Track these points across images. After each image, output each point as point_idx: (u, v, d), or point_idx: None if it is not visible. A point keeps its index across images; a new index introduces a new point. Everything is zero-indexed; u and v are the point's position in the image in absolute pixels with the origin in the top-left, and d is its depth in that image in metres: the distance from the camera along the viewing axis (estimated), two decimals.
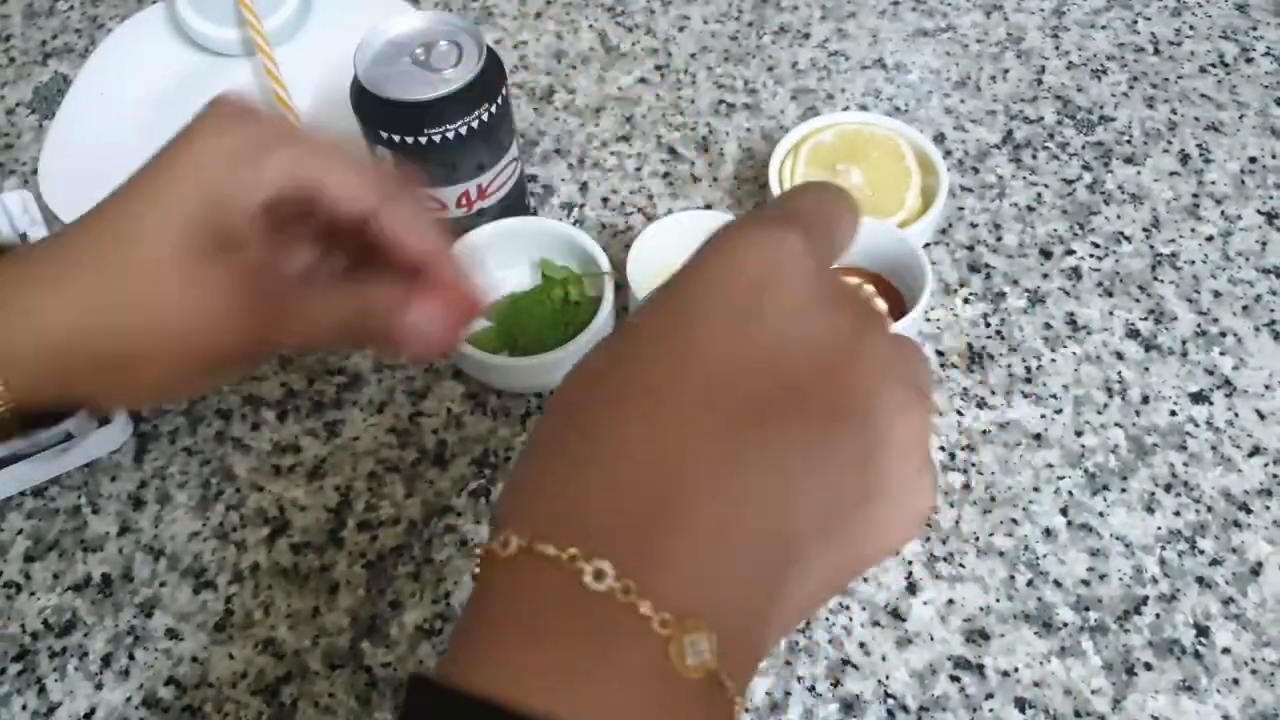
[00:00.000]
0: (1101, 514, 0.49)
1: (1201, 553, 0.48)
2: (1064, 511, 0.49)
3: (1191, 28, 0.70)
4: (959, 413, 0.52)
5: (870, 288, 0.53)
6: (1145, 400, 0.53)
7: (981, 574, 0.47)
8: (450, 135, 0.50)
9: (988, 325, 0.56)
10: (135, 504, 0.51)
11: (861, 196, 0.56)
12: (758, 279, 0.24)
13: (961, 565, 0.48)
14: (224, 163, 0.33)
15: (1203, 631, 0.45)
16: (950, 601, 0.47)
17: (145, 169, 0.34)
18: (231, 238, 0.33)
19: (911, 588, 0.47)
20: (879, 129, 0.59)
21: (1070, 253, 0.59)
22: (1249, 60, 0.68)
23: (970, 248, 0.59)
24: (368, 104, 0.50)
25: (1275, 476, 0.50)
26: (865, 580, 0.47)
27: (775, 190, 0.57)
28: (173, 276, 0.32)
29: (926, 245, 0.58)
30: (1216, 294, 0.56)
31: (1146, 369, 0.54)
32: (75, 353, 0.32)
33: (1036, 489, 0.50)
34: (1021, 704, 0.44)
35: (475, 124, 0.50)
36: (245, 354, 0.35)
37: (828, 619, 0.46)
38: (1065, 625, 0.46)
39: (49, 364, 0.32)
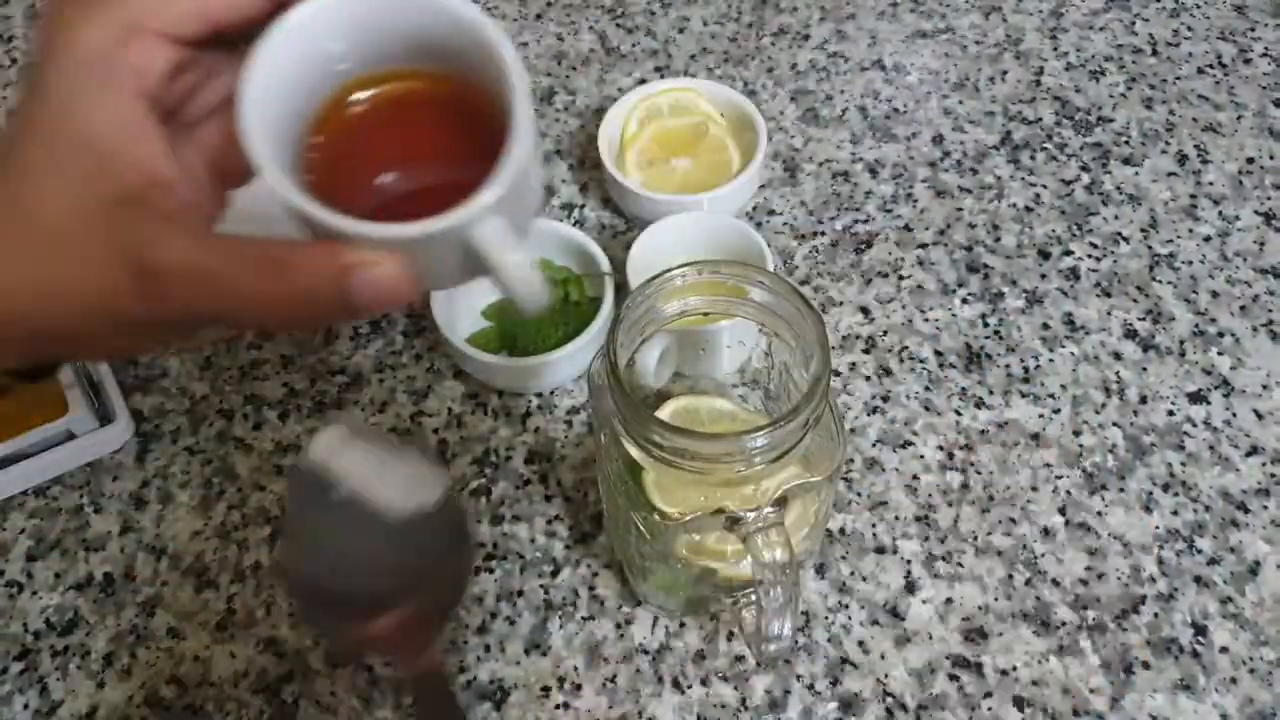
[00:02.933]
0: (1099, 513, 0.49)
1: (1199, 552, 0.48)
2: (1062, 511, 0.49)
3: (1189, 29, 0.70)
4: (957, 413, 0.53)
5: None
6: (1143, 400, 0.53)
7: (980, 573, 0.48)
8: None
9: (986, 325, 0.56)
10: (137, 503, 0.52)
11: (692, 180, 0.59)
12: None
13: (960, 564, 0.48)
14: (92, 84, 0.29)
15: (1201, 630, 0.46)
16: (949, 600, 0.47)
17: (19, 111, 0.30)
18: (137, 180, 0.29)
19: (910, 587, 0.47)
20: (692, 100, 0.62)
21: (1068, 253, 0.59)
22: (1247, 61, 0.68)
23: (968, 248, 0.59)
24: None
25: (1273, 476, 0.50)
26: (864, 579, 0.47)
27: (606, 161, 0.59)
28: (82, 244, 0.29)
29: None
30: (1214, 294, 0.57)
31: (1144, 369, 0.54)
32: (12, 326, 0.30)
33: (1035, 488, 0.50)
34: (1020, 703, 0.44)
35: None
36: (202, 327, 0.32)
37: (827, 618, 0.46)
38: (1063, 624, 0.46)
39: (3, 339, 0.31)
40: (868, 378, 0.54)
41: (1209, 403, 0.53)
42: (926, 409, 0.53)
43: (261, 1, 0.29)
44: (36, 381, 0.33)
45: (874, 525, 0.49)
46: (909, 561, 0.48)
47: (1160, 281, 0.57)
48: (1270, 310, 0.56)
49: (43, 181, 0.29)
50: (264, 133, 0.27)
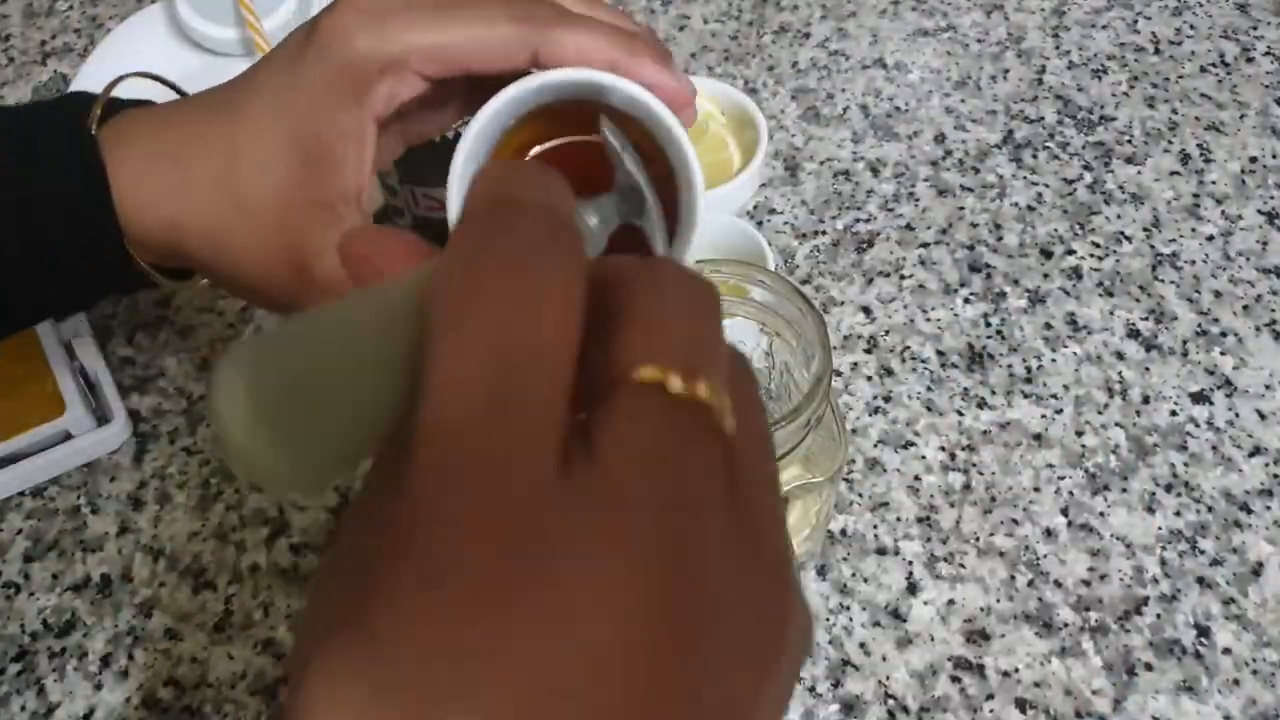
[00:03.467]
0: (1102, 514, 0.49)
1: (1202, 553, 0.48)
2: (1064, 512, 0.49)
3: (1192, 27, 0.70)
4: (959, 413, 0.52)
5: None
6: (1146, 400, 0.53)
7: (982, 574, 0.47)
8: (450, 134, 0.50)
9: (988, 325, 0.56)
10: (134, 504, 0.51)
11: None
12: None
13: (962, 565, 0.48)
14: (342, 99, 0.31)
15: (1203, 632, 0.45)
16: (951, 602, 0.47)
17: (265, 79, 0.33)
18: (340, 190, 0.32)
19: (912, 588, 0.47)
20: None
21: (1071, 252, 0.58)
22: (1250, 60, 0.68)
23: (970, 247, 0.59)
24: None
25: (1276, 477, 0.50)
26: (866, 581, 0.47)
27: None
28: (265, 226, 0.32)
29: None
30: (1217, 294, 0.56)
31: (1147, 369, 0.54)
32: (180, 250, 0.34)
33: (1037, 489, 0.50)
34: (1022, 704, 0.44)
35: None
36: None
37: (828, 619, 0.46)
38: (1066, 625, 0.46)
39: (162, 237, 0.34)
40: (869, 378, 0.54)
41: (1212, 403, 0.52)
42: (928, 409, 0.53)
43: (520, 66, 0.31)
44: (183, 280, 0.38)
45: (875, 526, 0.49)
46: (910, 563, 0.48)
47: (1163, 281, 0.57)
48: (1273, 310, 0.56)
49: (261, 152, 0.32)
50: (460, 184, 0.29)
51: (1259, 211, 0.60)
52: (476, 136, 0.30)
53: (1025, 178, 0.62)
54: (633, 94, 0.30)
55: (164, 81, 0.38)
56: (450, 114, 0.36)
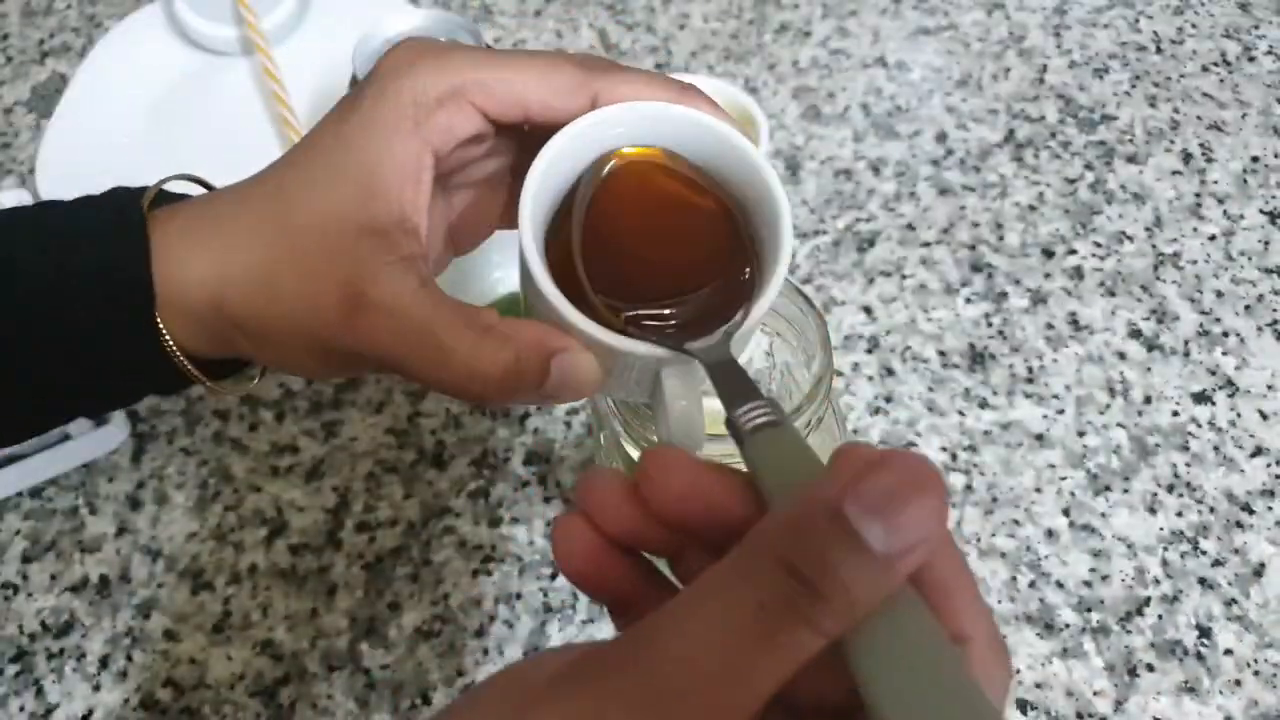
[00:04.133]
0: (1104, 515, 0.49)
1: (1204, 554, 0.47)
2: (1066, 512, 0.49)
3: (1194, 26, 0.69)
4: (961, 413, 0.52)
5: None
6: (1147, 400, 0.52)
7: (983, 575, 0.47)
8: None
9: (989, 325, 0.55)
10: (133, 505, 0.51)
11: None
12: None
13: None
14: (398, 127, 0.31)
15: (1205, 633, 0.45)
16: None
17: (319, 128, 0.32)
18: (392, 218, 0.31)
19: None
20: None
21: (1072, 252, 0.58)
22: (1251, 59, 0.67)
23: (972, 247, 0.59)
24: None
25: (1278, 477, 0.50)
26: None
27: None
28: (314, 257, 0.31)
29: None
30: (1219, 294, 0.56)
31: (1149, 369, 0.53)
32: (219, 312, 0.32)
33: (1038, 489, 0.50)
34: (1023, 705, 0.44)
35: None
36: (386, 370, 0.33)
37: None
38: (1067, 626, 0.46)
39: (199, 320, 0.33)
40: (870, 378, 0.54)
41: (1214, 403, 0.52)
42: (930, 409, 0.52)
43: (578, 111, 0.30)
44: (222, 378, 0.36)
45: None
46: None
47: (1165, 281, 0.57)
48: (1275, 310, 0.55)
49: (309, 186, 0.31)
50: (532, 218, 0.29)
51: (1261, 211, 0.60)
52: (548, 165, 0.29)
53: (1027, 177, 0.62)
54: (705, 120, 0.30)
55: (204, 184, 0.37)
56: (502, 167, 0.35)
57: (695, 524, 0.23)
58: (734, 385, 0.25)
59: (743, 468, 0.24)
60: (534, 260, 0.29)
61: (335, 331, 0.30)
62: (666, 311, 0.29)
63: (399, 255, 0.30)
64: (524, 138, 0.33)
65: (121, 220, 0.33)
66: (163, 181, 0.35)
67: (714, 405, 0.46)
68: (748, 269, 0.30)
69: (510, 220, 0.34)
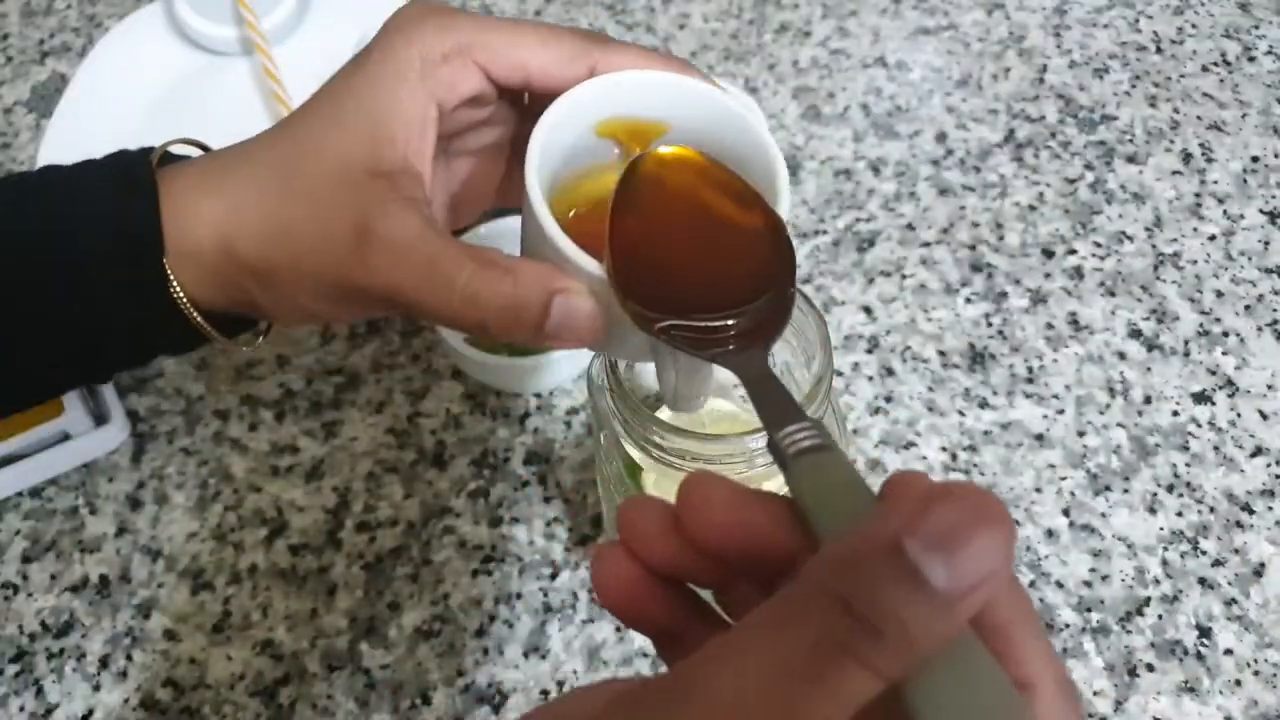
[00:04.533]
0: (1103, 514, 0.49)
1: (1204, 553, 0.47)
2: (1066, 512, 0.49)
3: (1194, 26, 0.69)
4: (961, 413, 0.52)
5: None
6: (1147, 400, 0.52)
7: None
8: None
9: (989, 325, 0.55)
10: (133, 505, 0.51)
11: None
12: None
13: None
14: (404, 80, 0.32)
15: (1205, 633, 0.45)
16: None
17: (328, 85, 0.34)
18: (397, 164, 0.32)
19: None
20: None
21: (1072, 252, 0.58)
22: (1251, 59, 0.67)
23: (972, 247, 0.59)
24: None
25: (1278, 477, 0.50)
26: None
27: None
28: (322, 196, 0.32)
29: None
30: (1219, 294, 0.56)
31: (1149, 369, 0.53)
32: (229, 257, 0.33)
33: (1038, 489, 0.50)
34: None
35: None
36: (392, 307, 0.34)
37: None
38: (1067, 626, 0.46)
39: (210, 268, 0.33)
40: (870, 378, 0.54)
41: (1214, 403, 0.52)
42: (930, 409, 0.52)
43: (577, 78, 0.31)
44: (231, 334, 0.37)
45: None
46: None
47: (1165, 281, 0.57)
48: (1275, 310, 0.55)
49: (317, 134, 0.32)
50: (538, 170, 0.30)
51: (1261, 211, 0.60)
52: (551, 127, 0.30)
53: (1027, 177, 0.62)
54: (704, 90, 0.31)
55: (206, 149, 0.38)
56: (502, 138, 0.36)
57: (738, 554, 0.22)
58: (776, 404, 0.24)
59: (767, 485, 0.23)
60: (538, 201, 0.29)
61: (344, 267, 0.31)
62: (703, 324, 0.28)
63: (405, 195, 0.31)
64: (523, 110, 0.34)
65: (129, 176, 0.34)
66: (168, 144, 0.36)
67: (716, 405, 0.46)
68: (791, 288, 0.29)
69: (508, 195, 0.34)
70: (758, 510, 0.22)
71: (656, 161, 0.31)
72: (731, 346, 0.27)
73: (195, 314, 0.34)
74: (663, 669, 0.22)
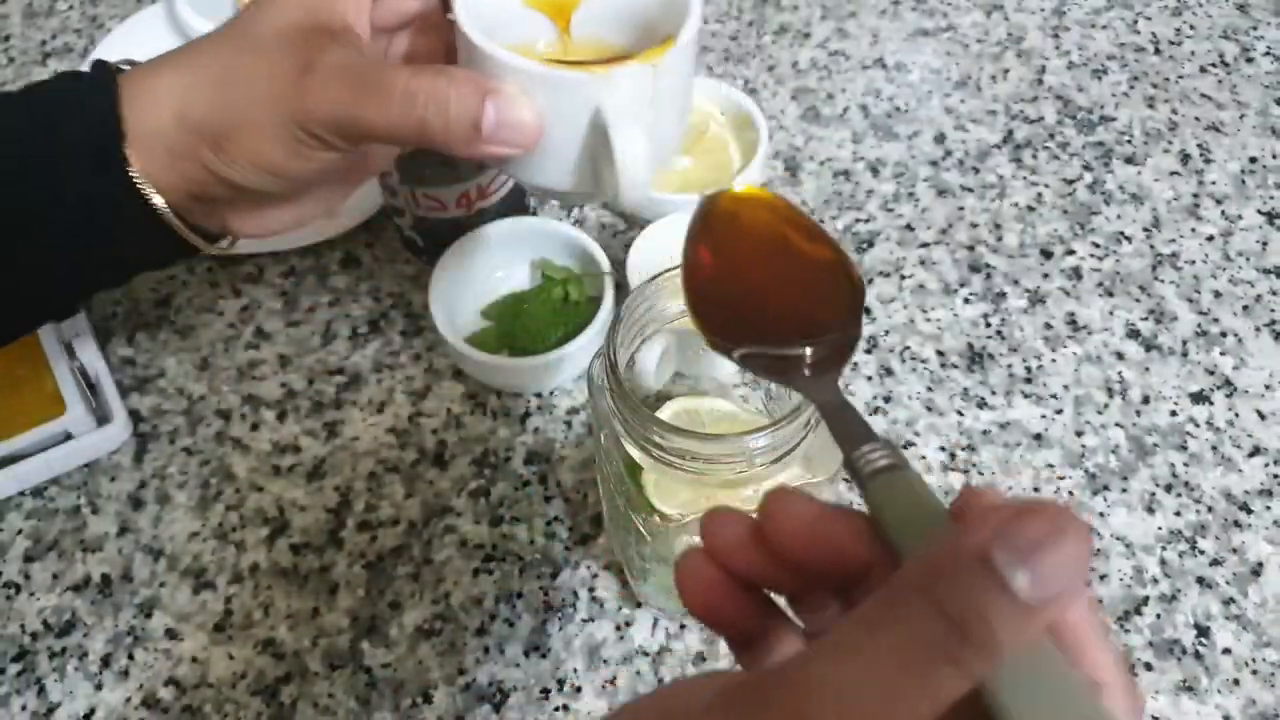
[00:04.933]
0: (1102, 514, 0.49)
1: (1202, 553, 0.48)
2: None
3: (1192, 27, 0.70)
4: (959, 413, 0.52)
5: None
6: (1146, 400, 0.53)
7: None
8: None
9: (988, 325, 0.56)
10: (135, 504, 0.51)
11: (692, 179, 0.59)
12: None
13: None
14: None
15: (1203, 632, 0.45)
16: None
17: None
18: (337, 23, 0.35)
19: None
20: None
21: (1071, 253, 0.58)
22: (1249, 60, 0.68)
23: (970, 248, 0.59)
24: None
25: (1276, 477, 0.50)
26: None
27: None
28: (271, 49, 0.35)
29: None
30: (1217, 294, 0.56)
31: (1147, 369, 0.54)
32: (185, 124, 0.36)
33: (1037, 489, 0.50)
34: None
35: None
36: (341, 134, 0.37)
37: None
38: None
39: (169, 139, 0.36)
40: (870, 378, 0.54)
41: (1211, 403, 0.52)
42: (929, 409, 0.53)
43: None
44: (214, 244, 0.40)
45: None
46: None
47: (1163, 281, 0.57)
48: (1273, 310, 0.56)
49: (269, 13, 0.35)
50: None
51: (1259, 211, 0.60)
52: None
53: (1025, 178, 0.62)
54: None
55: None
56: (434, 7, 0.39)
57: (817, 565, 0.23)
58: (850, 426, 0.25)
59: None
60: (465, 21, 0.31)
61: (292, 100, 0.34)
62: (778, 353, 0.29)
63: (345, 42, 0.35)
64: None
65: (89, 76, 0.37)
66: (125, 61, 0.39)
67: (716, 405, 0.46)
68: (859, 318, 0.30)
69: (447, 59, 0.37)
70: (838, 524, 0.23)
71: (731, 199, 0.32)
72: (807, 373, 0.28)
73: (155, 196, 0.37)
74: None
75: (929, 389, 0.53)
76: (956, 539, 0.18)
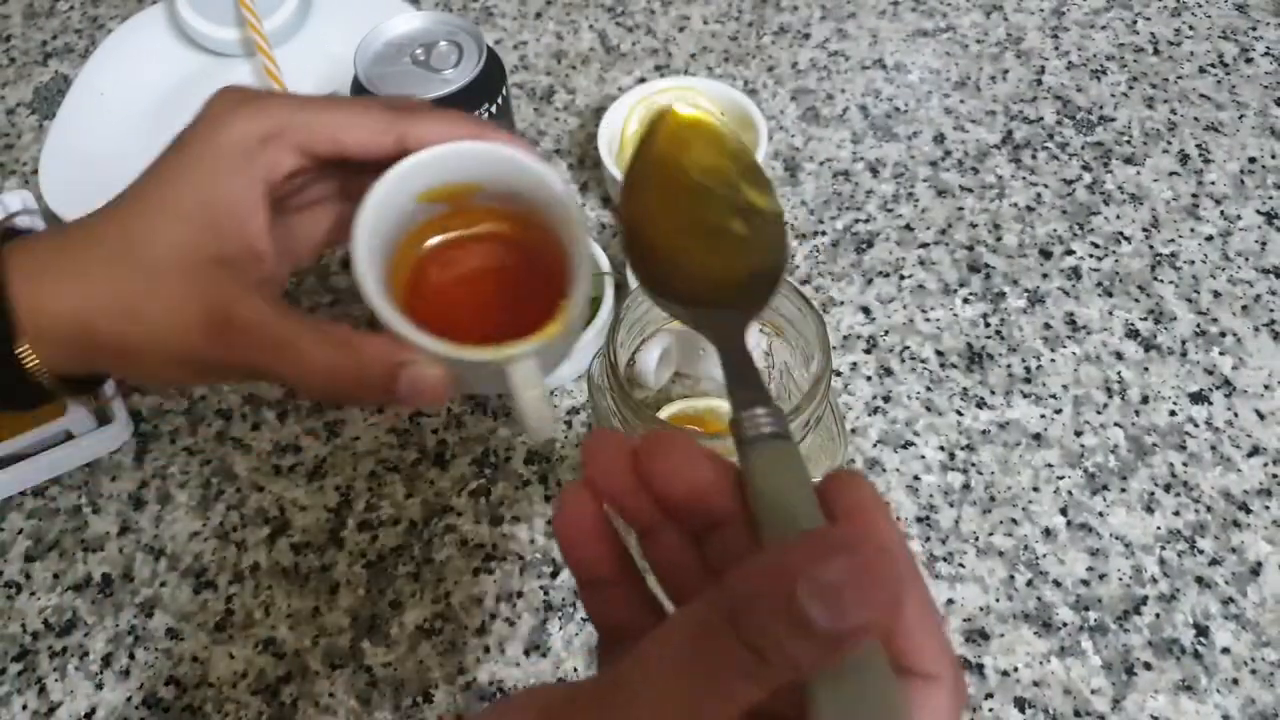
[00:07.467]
0: (1101, 514, 0.49)
1: (1201, 552, 0.48)
2: (1064, 511, 0.49)
3: (1191, 28, 0.70)
4: (959, 413, 0.52)
5: None
6: (1145, 400, 0.53)
7: (981, 574, 0.47)
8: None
9: (987, 325, 0.56)
10: (136, 504, 0.51)
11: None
12: None
13: (961, 565, 0.48)
14: (230, 167, 0.34)
15: (1202, 631, 0.46)
16: (950, 601, 0.47)
17: (155, 171, 0.35)
18: (239, 248, 0.34)
19: None
20: (692, 99, 0.61)
21: (1070, 253, 0.59)
22: (1248, 60, 0.68)
23: (970, 248, 0.59)
24: None
25: (1274, 476, 0.50)
26: None
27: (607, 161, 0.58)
28: (175, 287, 0.34)
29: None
30: (1216, 294, 0.56)
31: (1146, 369, 0.54)
32: (87, 338, 0.35)
33: (1036, 489, 0.50)
34: (1021, 704, 0.44)
35: None
36: (249, 379, 0.36)
37: None
38: (1065, 625, 0.46)
39: (67, 346, 0.35)
40: (869, 378, 0.54)
41: (1211, 403, 0.52)
42: (928, 409, 0.53)
43: (388, 149, 0.34)
44: (81, 394, 0.38)
45: None
46: None
47: (1162, 281, 0.57)
48: (1272, 310, 0.56)
49: (159, 223, 0.34)
50: (367, 252, 0.32)
51: (1258, 212, 0.60)
52: (375, 208, 0.33)
53: (1024, 178, 0.62)
54: (504, 152, 0.34)
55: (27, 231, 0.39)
56: (332, 191, 0.39)
57: (680, 502, 0.25)
58: (746, 383, 0.26)
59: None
60: (372, 292, 0.31)
61: (200, 349, 0.34)
62: (689, 290, 0.31)
63: (254, 279, 0.34)
64: (346, 168, 0.36)
65: None
66: (8, 219, 0.37)
67: (716, 405, 0.46)
68: (779, 279, 0.31)
69: (343, 234, 0.36)
70: (707, 469, 0.25)
71: (677, 125, 0.33)
72: (717, 317, 0.29)
73: (46, 378, 0.35)
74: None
75: (928, 389, 0.53)
76: (780, 558, 0.19)
